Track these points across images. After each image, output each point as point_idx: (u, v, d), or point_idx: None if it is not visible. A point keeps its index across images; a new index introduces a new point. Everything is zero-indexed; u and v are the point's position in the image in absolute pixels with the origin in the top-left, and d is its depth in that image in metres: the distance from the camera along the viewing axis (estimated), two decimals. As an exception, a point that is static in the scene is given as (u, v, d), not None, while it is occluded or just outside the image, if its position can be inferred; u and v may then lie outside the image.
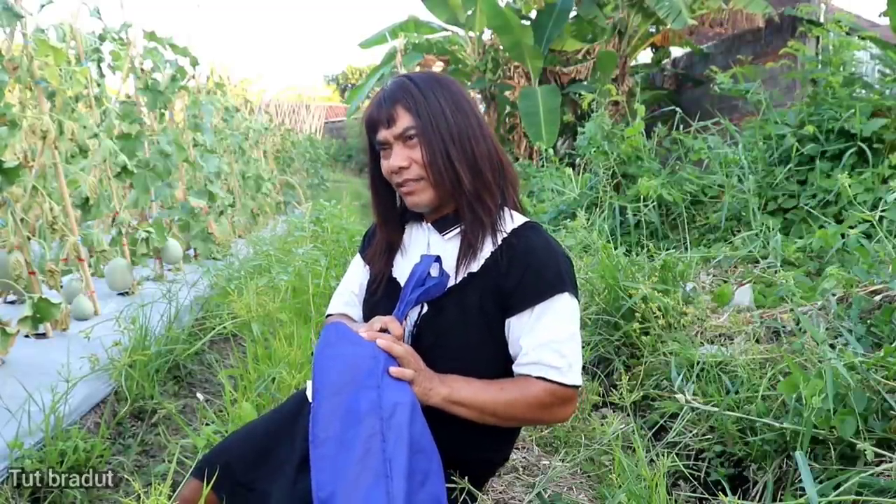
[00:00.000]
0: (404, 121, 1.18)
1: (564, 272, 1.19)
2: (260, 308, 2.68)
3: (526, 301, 1.16)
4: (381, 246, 1.34)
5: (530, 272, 1.16)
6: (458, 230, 1.25)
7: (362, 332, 1.14)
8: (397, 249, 1.33)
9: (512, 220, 1.25)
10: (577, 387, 1.17)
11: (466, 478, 1.25)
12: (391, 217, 1.33)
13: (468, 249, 1.20)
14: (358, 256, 1.44)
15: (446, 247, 1.25)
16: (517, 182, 1.30)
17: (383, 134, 1.20)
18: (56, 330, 2.71)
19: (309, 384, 1.18)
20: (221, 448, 1.32)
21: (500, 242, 1.20)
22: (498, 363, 1.22)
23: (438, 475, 1.07)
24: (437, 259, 1.23)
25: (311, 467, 1.00)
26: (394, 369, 1.09)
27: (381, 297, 1.30)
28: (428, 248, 1.27)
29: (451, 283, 1.21)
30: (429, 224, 1.28)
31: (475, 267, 1.20)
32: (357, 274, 1.42)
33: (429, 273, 1.21)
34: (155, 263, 4.13)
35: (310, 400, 1.11)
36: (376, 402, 1.04)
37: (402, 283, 1.25)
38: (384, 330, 1.17)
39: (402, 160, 1.18)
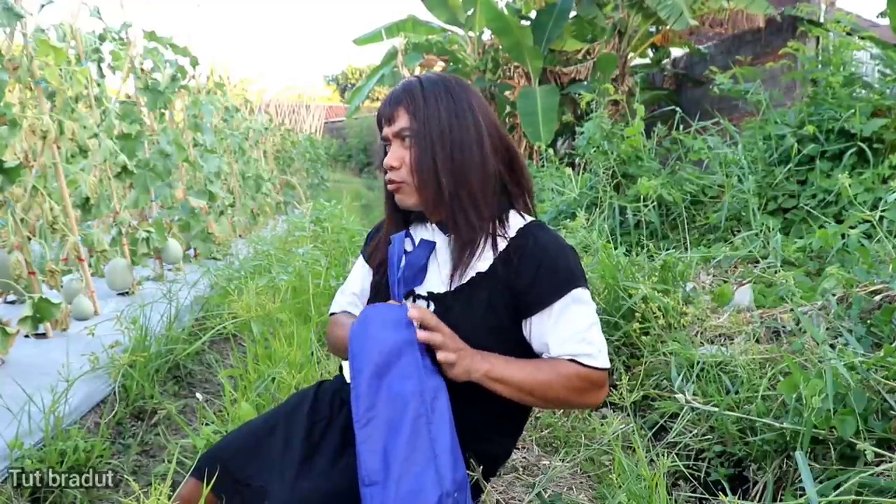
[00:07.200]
0: (402, 121, 1.21)
1: (574, 265, 1.22)
2: (260, 308, 2.68)
3: (543, 300, 1.18)
4: (384, 243, 1.34)
5: (543, 270, 1.19)
6: None
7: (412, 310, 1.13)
8: None
9: (523, 219, 1.27)
10: (607, 369, 1.20)
11: (481, 467, 1.26)
12: (396, 213, 1.34)
13: (462, 254, 1.22)
14: (360, 258, 1.45)
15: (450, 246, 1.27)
16: (531, 188, 1.31)
17: (385, 130, 1.24)
18: (56, 330, 2.71)
19: (345, 364, 1.18)
20: (218, 447, 1.33)
21: (507, 242, 1.22)
22: None
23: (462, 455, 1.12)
24: (407, 234, 1.27)
25: (356, 445, 1.04)
26: (421, 334, 1.09)
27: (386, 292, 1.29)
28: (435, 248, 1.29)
29: (456, 283, 1.22)
30: (433, 225, 1.29)
31: (483, 266, 1.22)
32: (359, 275, 1.43)
33: (405, 250, 1.24)
34: (155, 263, 4.13)
35: (348, 381, 1.11)
36: (418, 389, 1.08)
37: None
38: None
39: (395, 160, 1.22)
